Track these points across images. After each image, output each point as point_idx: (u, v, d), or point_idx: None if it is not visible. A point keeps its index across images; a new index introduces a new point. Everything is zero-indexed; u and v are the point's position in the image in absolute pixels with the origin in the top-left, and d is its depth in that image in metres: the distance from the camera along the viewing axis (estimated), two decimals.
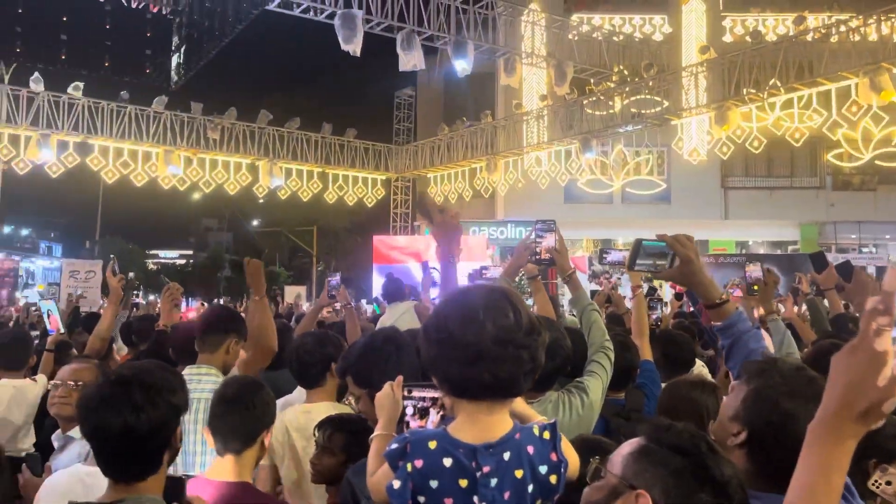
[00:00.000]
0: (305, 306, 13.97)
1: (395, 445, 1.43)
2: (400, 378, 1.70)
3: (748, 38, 16.07)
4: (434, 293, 5.64)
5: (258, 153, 18.36)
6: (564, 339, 2.40)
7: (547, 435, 1.49)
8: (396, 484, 1.39)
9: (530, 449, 1.45)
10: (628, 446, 1.33)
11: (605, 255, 4.11)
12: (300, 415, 2.83)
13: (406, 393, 1.65)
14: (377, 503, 1.51)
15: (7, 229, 41.70)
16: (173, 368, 1.90)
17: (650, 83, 16.58)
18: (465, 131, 19.38)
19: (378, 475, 1.50)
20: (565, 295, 8.63)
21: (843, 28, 13.97)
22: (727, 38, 21.47)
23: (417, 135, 24.04)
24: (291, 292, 19.51)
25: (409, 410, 1.61)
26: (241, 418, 2.22)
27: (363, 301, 14.05)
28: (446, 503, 1.39)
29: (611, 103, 17.04)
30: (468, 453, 1.41)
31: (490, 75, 18.46)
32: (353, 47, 12.92)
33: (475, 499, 1.39)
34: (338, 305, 7.21)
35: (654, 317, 7.91)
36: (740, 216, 23.06)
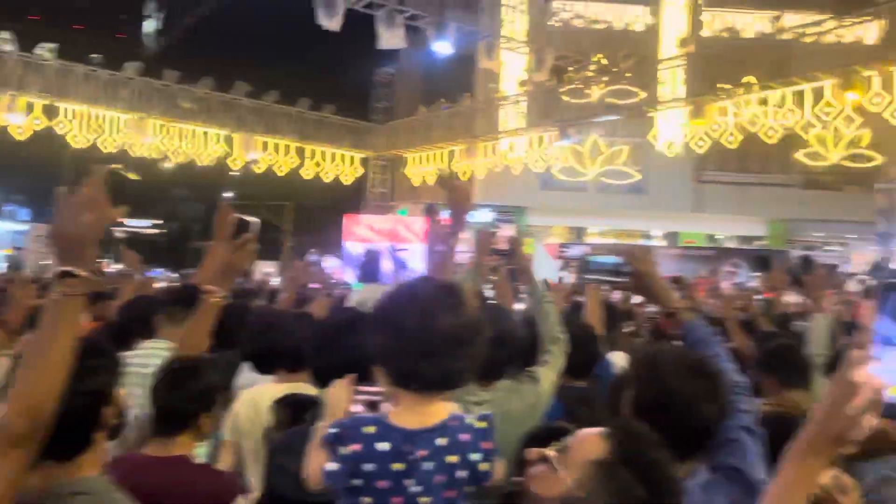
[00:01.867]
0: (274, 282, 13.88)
1: (333, 430, 1.47)
2: (352, 376, 1.72)
3: (725, 34, 16.20)
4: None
5: (233, 125, 18.11)
6: (516, 330, 2.44)
7: (483, 424, 1.54)
8: (333, 466, 1.43)
9: (465, 437, 1.51)
10: (591, 450, 1.28)
11: (563, 251, 4.20)
12: (275, 393, 2.80)
13: (357, 388, 1.68)
14: (313, 488, 1.53)
15: None
16: (99, 345, 1.79)
17: (628, 74, 16.64)
18: (444, 113, 19.31)
19: (314, 461, 1.53)
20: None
21: (818, 28, 14.16)
22: (706, 33, 21.59)
23: (396, 114, 23.89)
24: (261, 268, 19.38)
25: (360, 407, 1.64)
26: (175, 403, 2.19)
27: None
28: (380, 486, 1.43)
29: (588, 92, 17.09)
30: (405, 438, 1.46)
31: (469, 57, 18.36)
32: (333, 24, 12.77)
33: (408, 482, 1.43)
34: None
35: None
36: (712, 209, 23.35)
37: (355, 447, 1.44)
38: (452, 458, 1.48)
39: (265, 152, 18.86)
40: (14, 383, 1.39)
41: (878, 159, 18.99)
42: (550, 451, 1.30)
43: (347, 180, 20.89)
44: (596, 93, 17.02)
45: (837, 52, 13.67)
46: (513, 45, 18.24)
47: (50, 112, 15.75)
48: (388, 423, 1.48)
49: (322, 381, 2.27)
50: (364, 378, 2.30)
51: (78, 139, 16.31)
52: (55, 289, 1.40)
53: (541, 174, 20.47)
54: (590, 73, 17.83)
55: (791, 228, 23.94)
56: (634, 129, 17.55)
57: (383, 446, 1.44)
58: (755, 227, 24.54)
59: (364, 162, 21.47)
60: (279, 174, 19.52)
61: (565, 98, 17.31)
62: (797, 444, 1.07)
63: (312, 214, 35.61)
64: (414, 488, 1.44)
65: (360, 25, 14.84)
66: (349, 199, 23.65)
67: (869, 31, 14.98)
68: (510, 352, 2.39)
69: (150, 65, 17.75)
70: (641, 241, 24.36)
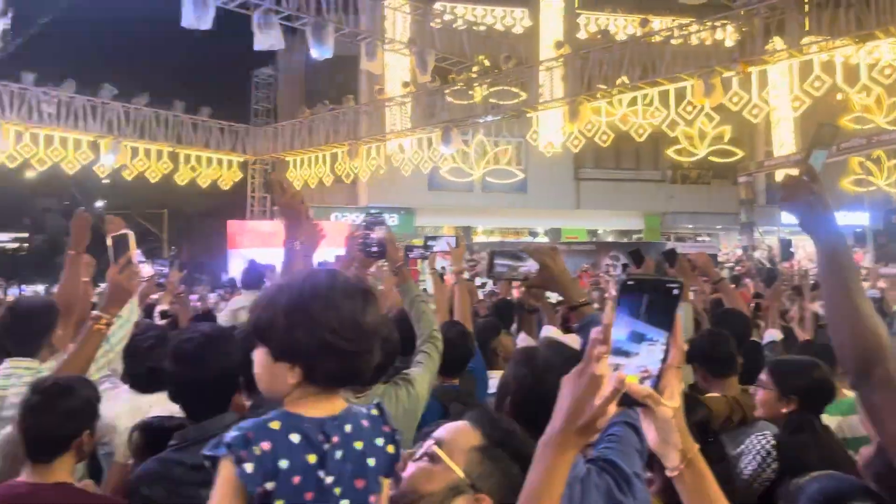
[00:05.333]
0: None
1: (235, 433, 1.34)
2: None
3: (599, 36, 16.89)
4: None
5: (101, 129, 17.04)
6: (392, 332, 2.40)
7: (376, 412, 1.50)
8: (249, 468, 1.31)
9: (365, 423, 1.46)
10: (467, 439, 1.37)
11: (430, 243, 4.25)
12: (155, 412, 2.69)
13: None
14: None
15: None
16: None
17: (509, 76, 17.03)
18: (328, 115, 19.03)
19: (223, 471, 1.34)
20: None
21: (683, 32, 15.03)
22: (581, 35, 22.46)
23: (278, 116, 23.32)
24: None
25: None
26: (48, 427, 2.06)
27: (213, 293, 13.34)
28: (295, 482, 1.34)
29: (471, 93, 17.35)
30: (315, 426, 1.38)
31: (353, 58, 18.21)
32: (203, 24, 12.27)
33: (322, 473, 1.36)
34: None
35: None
36: (591, 206, 24.33)
37: (265, 445, 1.33)
38: (358, 444, 1.42)
39: (136, 158, 17.87)
40: None
41: (740, 154, 20.43)
42: (426, 447, 1.36)
43: (226, 185, 20.15)
44: (479, 94, 17.30)
45: (699, 54, 14.56)
46: (395, 47, 18.23)
47: None
48: (295, 415, 1.39)
49: (183, 400, 2.14)
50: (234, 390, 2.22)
51: None
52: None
53: (428, 175, 20.60)
54: (472, 75, 18.09)
55: (664, 221, 25.35)
56: (517, 129, 17.99)
57: (295, 438, 1.36)
58: (632, 221, 25.81)
59: (243, 166, 20.79)
60: (152, 180, 18.56)
61: (450, 99, 17.48)
62: (547, 439, 1.12)
63: (191, 221, 34.21)
64: (328, 480, 1.36)
65: (237, 25, 14.36)
66: (229, 204, 22.85)
67: (729, 35, 16.07)
68: (385, 356, 2.34)
69: (4, 67, 16.41)
70: (527, 239, 25.04)
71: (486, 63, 19.45)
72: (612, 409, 1.07)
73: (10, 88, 15.70)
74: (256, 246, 15.74)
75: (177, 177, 18.85)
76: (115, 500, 2.36)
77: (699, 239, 25.59)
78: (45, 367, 2.77)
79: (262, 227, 18.11)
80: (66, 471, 2.10)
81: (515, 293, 6.05)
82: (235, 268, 15.77)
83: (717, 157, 19.58)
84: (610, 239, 25.50)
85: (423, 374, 2.53)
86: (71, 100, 16.56)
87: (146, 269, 4.36)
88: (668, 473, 1.16)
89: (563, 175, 23.56)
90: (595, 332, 1.07)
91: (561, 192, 23.70)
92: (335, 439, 1.39)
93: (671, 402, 1.11)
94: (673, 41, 14.59)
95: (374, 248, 2.92)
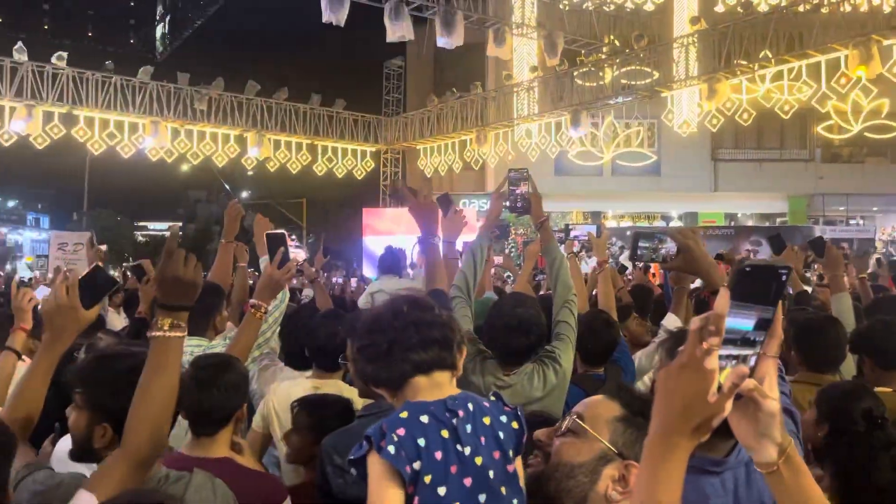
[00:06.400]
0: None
1: (370, 431, 1.47)
2: None
3: (739, 9, 15.97)
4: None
5: (246, 124, 18.19)
6: (539, 316, 2.43)
7: (493, 398, 1.59)
8: (392, 449, 1.42)
9: (486, 403, 1.55)
10: (609, 410, 1.40)
11: (570, 230, 4.18)
12: (308, 390, 2.84)
13: None
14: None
15: None
16: None
17: (641, 54, 16.48)
18: (455, 103, 19.24)
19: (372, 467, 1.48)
20: None
21: None
22: (719, 9, 21.29)
23: (407, 106, 23.85)
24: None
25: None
26: (212, 401, 2.15)
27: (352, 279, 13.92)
28: (437, 456, 1.44)
29: (601, 74, 16.95)
30: (439, 406, 1.49)
31: (481, 46, 18.27)
32: (338, 18, 12.75)
33: (458, 446, 1.46)
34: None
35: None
36: (730, 188, 23.12)
37: (400, 431, 1.45)
38: (486, 420, 1.51)
39: (278, 150, 18.94)
40: (133, 412, 1.54)
41: None
42: (569, 423, 1.40)
43: (360, 175, 20.93)
44: (609, 75, 16.87)
45: (852, 22, 13.41)
46: (523, 32, 18.10)
47: (67, 120, 15.91)
48: (417, 402, 1.51)
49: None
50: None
51: (97, 145, 16.48)
52: (160, 326, 1.57)
53: (554, 159, 20.36)
54: (602, 56, 17.66)
55: (812, 203, 23.65)
56: (649, 109, 17.41)
57: (424, 419, 1.47)
58: (775, 204, 24.27)
59: (376, 155, 21.49)
60: (292, 171, 19.60)
61: (578, 82, 17.17)
62: (658, 438, 1.02)
63: (327, 209, 35.79)
64: (465, 451, 1.46)
65: (368, 18, 14.82)
66: (362, 193, 23.70)
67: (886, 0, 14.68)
68: (533, 339, 2.38)
69: (162, 68, 17.86)
70: (660, 223, 24.21)
71: (617, 43, 18.91)
72: (729, 406, 0.98)
73: (167, 88, 17.08)
74: (389, 233, 16.23)
75: (315, 167, 19.80)
76: (271, 476, 2.50)
77: (851, 222, 23.67)
78: (215, 345, 2.98)
79: (395, 213, 18.64)
80: (226, 444, 2.20)
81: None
82: (369, 254, 16.37)
83: (874, 133, 18.01)
84: (750, 223, 24.13)
85: (566, 347, 2.55)
86: (220, 97, 17.76)
87: (299, 254, 4.64)
88: (763, 470, 1.07)
89: (700, 156, 22.54)
90: (701, 321, 0.97)
91: (697, 173, 22.71)
92: (461, 413, 1.48)
93: (772, 394, 1.03)
94: (823, 9, 13.53)
95: (519, 204, 2.91)
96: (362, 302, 6.03)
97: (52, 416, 1.96)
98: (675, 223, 23.84)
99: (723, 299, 0.95)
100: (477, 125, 18.67)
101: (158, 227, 53.98)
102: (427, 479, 1.42)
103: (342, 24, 13.04)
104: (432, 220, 2.65)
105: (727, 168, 23.22)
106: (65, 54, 15.88)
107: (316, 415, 2.44)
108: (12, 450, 1.55)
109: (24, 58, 15.35)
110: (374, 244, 16.49)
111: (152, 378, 1.54)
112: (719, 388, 0.97)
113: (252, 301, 2.65)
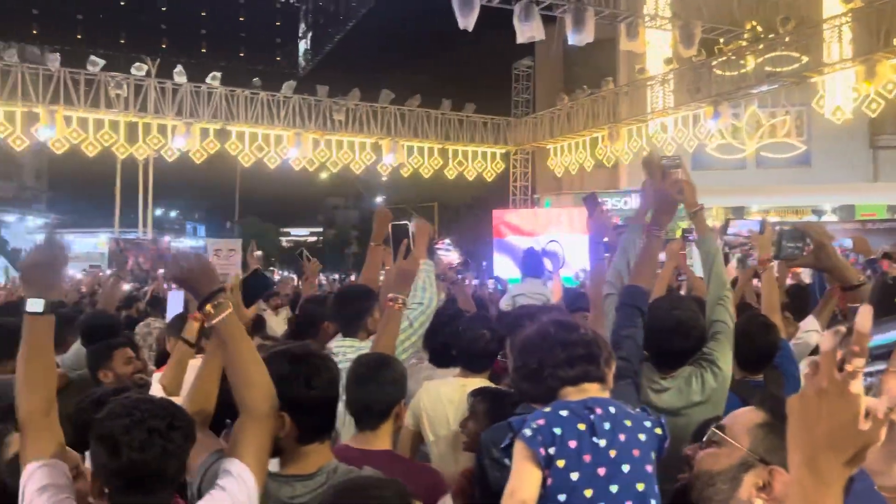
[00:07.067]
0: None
1: (515, 421, 1.70)
2: None
3: None
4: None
5: (381, 132, 18.83)
6: (698, 317, 2.35)
7: (639, 410, 1.76)
8: (529, 432, 1.62)
9: (630, 410, 1.71)
10: (750, 418, 1.43)
11: (729, 226, 3.92)
12: (457, 388, 2.93)
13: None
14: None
15: (158, 212, 45.27)
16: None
17: (787, 38, 15.46)
18: (586, 100, 18.93)
19: (517, 454, 1.68)
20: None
21: None
22: None
23: (536, 106, 23.74)
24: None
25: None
26: (372, 396, 2.26)
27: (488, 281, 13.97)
28: (571, 445, 1.60)
29: (742, 62, 16.06)
30: (579, 404, 1.67)
31: (611, 41, 17.85)
32: (468, 22, 12.91)
33: (595, 439, 1.61)
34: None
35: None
36: (892, 178, 21.18)
37: (541, 421, 1.63)
38: (628, 422, 1.66)
39: (411, 156, 19.45)
40: (241, 380, 1.77)
41: None
42: (709, 434, 1.46)
43: (490, 176, 21.07)
44: (751, 62, 15.95)
45: None
46: (657, 23, 17.52)
47: (220, 135, 17.20)
48: (560, 401, 1.69)
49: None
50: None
51: (246, 158, 17.69)
52: (211, 316, 1.79)
53: (692, 154, 19.52)
54: (743, 43, 16.72)
55: None
56: (797, 96, 16.30)
57: (564, 412, 1.64)
58: None
59: (505, 157, 21.55)
60: (425, 176, 20.06)
61: (718, 72, 16.37)
62: (807, 474, 0.92)
63: (458, 212, 36.36)
64: (601, 443, 1.61)
65: (497, 20, 14.91)
66: (493, 195, 23.83)
67: None
68: (691, 342, 2.31)
69: (304, 82, 18.87)
70: (811, 218, 22.58)
71: (759, 29, 17.84)
72: (883, 433, 0.88)
73: (308, 101, 18.03)
74: (519, 233, 16.21)
75: (447, 171, 20.17)
76: (433, 469, 2.55)
77: None
78: (364, 346, 3.09)
79: (525, 214, 18.60)
80: (388, 437, 2.29)
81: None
82: (502, 254, 16.43)
83: None
84: None
85: (724, 347, 2.44)
86: (356, 107, 18.51)
87: (452, 257, 4.76)
88: (889, 494, 1.00)
89: (856, 144, 20.80)
90: (834, 339, 0.88)
91: (853, 163, 20.96)
92: (598, 410, 1.63)
93: None
94: None
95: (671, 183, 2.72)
96: (504, 304, 6.09)
97: (225, 412, 2.12)
98: (829, 217, 22.15)
99: (865, 317, 0.87)
100: (609, 122, 18.26)
101: (300, 233, 57.15)
102: (560, 463, 1.59)
103: (470, 29, 13.21)
104: (670, 208, 2.59)
105: (889, 156, 21.27)
106: (219, 74, 17.16)
107: (494, 402, 2.54)
108: (192, 434, 1.72)
109: (184, 80, 16.75)
110: (503, 246, 16.55)
111: (236, 348, 1.79)
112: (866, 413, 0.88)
113: (390, 295, 2.77)
